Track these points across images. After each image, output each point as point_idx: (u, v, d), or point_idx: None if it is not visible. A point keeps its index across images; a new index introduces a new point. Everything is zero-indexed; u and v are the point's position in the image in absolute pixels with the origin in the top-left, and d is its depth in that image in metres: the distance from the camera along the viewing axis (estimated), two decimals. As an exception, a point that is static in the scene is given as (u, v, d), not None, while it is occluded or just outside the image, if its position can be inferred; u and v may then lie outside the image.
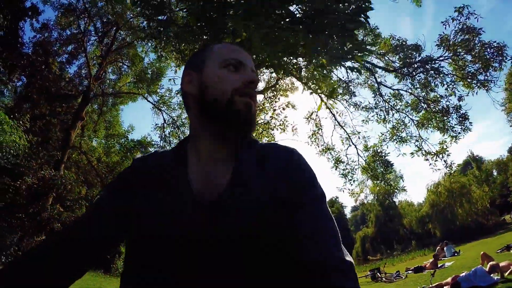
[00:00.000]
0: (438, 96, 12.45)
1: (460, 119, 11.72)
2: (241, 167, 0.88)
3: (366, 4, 5.46)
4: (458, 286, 7.08)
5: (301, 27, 5.45)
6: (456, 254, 15.03)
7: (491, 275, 7.12)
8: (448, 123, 11.92)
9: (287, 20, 5.35)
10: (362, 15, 5.11)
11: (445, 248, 15.71)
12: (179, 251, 0.79)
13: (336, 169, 14.91)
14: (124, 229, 0.88)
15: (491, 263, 7.47)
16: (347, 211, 73.10)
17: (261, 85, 12.31)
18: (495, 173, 37.94)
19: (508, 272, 7.26)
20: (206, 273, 0.76)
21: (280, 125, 14.31)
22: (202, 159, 0.91)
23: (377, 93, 13.67)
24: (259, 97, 14.32)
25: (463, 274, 7.33)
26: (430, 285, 7.96)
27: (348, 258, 0.79)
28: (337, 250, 0.78)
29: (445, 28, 11.45)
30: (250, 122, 0.89)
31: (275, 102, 13.81)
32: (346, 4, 5.82)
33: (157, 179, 0.90)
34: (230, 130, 0.88)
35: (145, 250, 0.82)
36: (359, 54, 5.10)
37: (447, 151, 11.67)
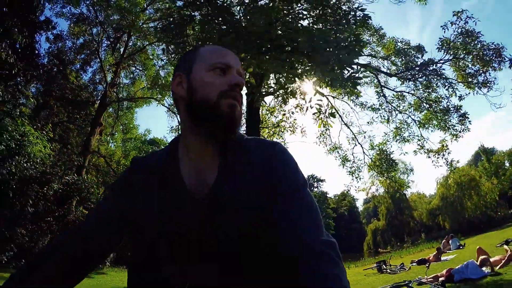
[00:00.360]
0: (439, 96, 12.91)
1: (461, 118, 12.20)
2: (228, 164, 0.94)
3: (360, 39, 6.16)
4: (452, 278, 7.67)
5: (307, 59, 6.18)
6: (461, 247, 15.49)
7: (483, 268, 7.67)
8: (449, 122, 12.42)
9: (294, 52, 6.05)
10: (357, 47, 5.80)
11: (450, 241, 16.20)
12: (178, 248, 0.87)
13: (343, 167, 15.57)
14: (127, 229, 0.97)
15: (481, 257, 8.04)
16: (359, 204, 73.12)
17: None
18: (507, 164, 37.48)
19: (499, 266, 7.81)
20: (205, 270, 0.85)
21: (289, 127, 14.94)
22: (193, 156, 0.96)
23: (381, 95, 14.17)
24: (269, 98, 14.93)
25: (458, 267, 7.92)
26: (426, 276, 8.56)
27: (333, 240, 0.83)
28: (319, 235, 0.82)
29: (444, 32, 11.90)
30: (235, 122, 0.93)
31: (285, 105, 14.42)
32: (342, 35, 6.50)
33: (154, 178, 0.96)
34: (216, 130, 0.92)
35: (146, 248, 0.90)
36: (357, 81, 5.76)
37: (447, 149, 12.18)
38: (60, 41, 19.64)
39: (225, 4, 6.67)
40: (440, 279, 8.04)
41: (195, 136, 0.96)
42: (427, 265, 9.94)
